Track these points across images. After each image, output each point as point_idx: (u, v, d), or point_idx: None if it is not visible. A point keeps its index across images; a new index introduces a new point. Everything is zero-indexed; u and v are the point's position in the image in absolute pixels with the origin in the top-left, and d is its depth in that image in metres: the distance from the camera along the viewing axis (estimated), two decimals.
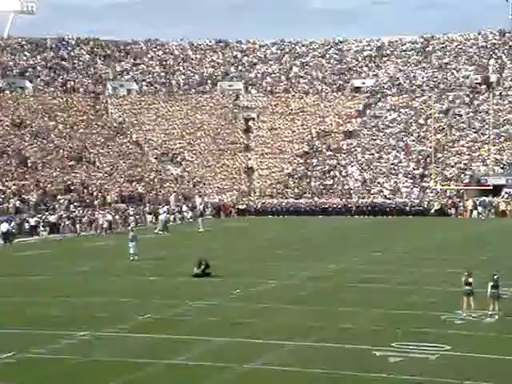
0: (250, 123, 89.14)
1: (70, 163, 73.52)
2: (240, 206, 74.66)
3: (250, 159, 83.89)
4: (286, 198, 76.05)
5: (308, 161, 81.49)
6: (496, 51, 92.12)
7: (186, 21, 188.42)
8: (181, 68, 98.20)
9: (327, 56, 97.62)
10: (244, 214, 73.27)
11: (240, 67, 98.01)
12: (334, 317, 25.00)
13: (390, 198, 73.11)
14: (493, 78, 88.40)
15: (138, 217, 64.42)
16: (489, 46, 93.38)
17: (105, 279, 33.85)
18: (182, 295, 29.07)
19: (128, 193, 70.97)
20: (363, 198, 73.72)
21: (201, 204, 72.19)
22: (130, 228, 49.37)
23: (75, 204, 63.61)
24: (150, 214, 65.25)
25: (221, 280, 32.72)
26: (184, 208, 70.15)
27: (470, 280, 24.96)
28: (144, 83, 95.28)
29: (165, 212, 61.90)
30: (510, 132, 77.51)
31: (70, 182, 68.53)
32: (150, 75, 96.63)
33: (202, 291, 29.84)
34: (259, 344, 21.63)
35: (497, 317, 24.52)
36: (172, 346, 21.48)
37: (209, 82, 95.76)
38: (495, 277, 24.85)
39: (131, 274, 35.06)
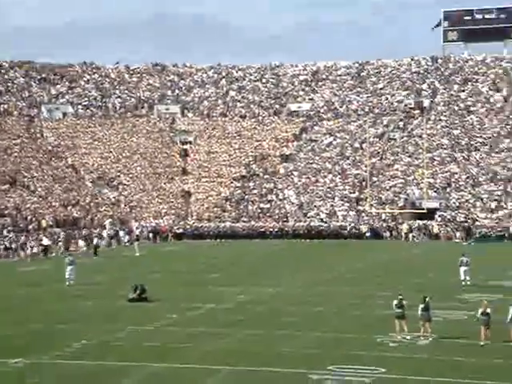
0: (187, 147, 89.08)
1: (3, 187, 72.38)
2: (177, 230, 74.37)
3: (187, 183, 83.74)
4: (224, 221, 76.03)
5: (245, 184, 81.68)
6: (429, 76, 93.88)
7: (122, 45, 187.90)
8: (117, 91, 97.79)
9: (264, 80, 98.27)
10: (181, 238, 72.99)
11: (177, 91, 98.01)
12: (271, 340, 25.06)
13: (326, 222, 73.64)
14: (426, 102, 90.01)
15: (73, 241, 63.58)
16: (422, 71, 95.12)
17: (39, 304, 33.34)
18: (118, 320, 28.82)
19: (63, 217, 70.11)
20: (300, 222, 74.13)
21: (137, 228, 71.72)
22: (67, 252, 48.89)
23: (9, 229, 62.60)
24: (82, 238, 64.17)
25: (157, 304, 32.54)
26: (120, 232, 69.57)
27: (403, 303, 25.31)
28: (80, 106, 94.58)
29: (96, 236, 61.73)
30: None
31: (3, 207, 67.42)
32: (86, 98, 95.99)
33: (139, 316, 29.62)
34: (196, 369, 21.56)
35: (430, 339, 24.87)
36: (108, 372, 21.26)
37: (145, 105, 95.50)
38: (426, 299, 25.24)
39: (67, 299, 34.61)
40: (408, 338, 24.88)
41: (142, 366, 21.84)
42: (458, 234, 69.24)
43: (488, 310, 24.52)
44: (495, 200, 72.69)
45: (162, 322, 28.36)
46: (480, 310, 24.76)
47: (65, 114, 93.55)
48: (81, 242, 62.38)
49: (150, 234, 72.54)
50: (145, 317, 29.47)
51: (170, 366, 21.86)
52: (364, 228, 71.40)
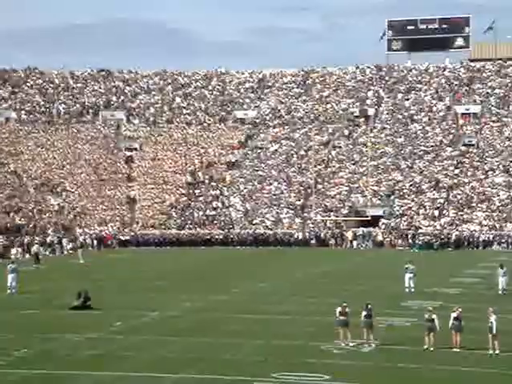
0: (132, 153, 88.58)
1: None
2: (122, 237, 73.85)
3: (132, 190, 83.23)
4: (169, 228, 75.74)
5: (191, 191, 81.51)
6: (373, 85, 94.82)
7: (66, 50, 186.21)
8: (61, 97, 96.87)
9: (210, 87, 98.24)
10: (126, 246, 72.50)
11: (122, 97, 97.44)
12: (216, 348, 25.01)
13: (271, 229, 73.84)
14: (370, 111, 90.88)
15: (13, 249, 62.42)
16: (366, 80, 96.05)
17: None
18: (60, 328, 28.45)
19: (5, 224, 69.05)
20: (245, 229, 74.20)
21: (81, 235, 71.04)
22: (10, 260, 48.13)
23: None
24: (20, 246, 62.91)
25: (101, 312, 32.22)
26: (64, 240, 68.76)
27: (347, 310, 25.47)
28: (23, 112, 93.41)
29: (37, 244, 60.77)
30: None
31: None
32: (30, 104, 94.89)
33: (82, 324, 29.30)
34: (140, 377, 21.41)
35: (373, 345, 25.05)
36: (50, 381, 20.98)
37: (90, 111, 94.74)
38: (368, 306, 25.45)
39: (8, 308, 34.08)
40: (351, 345, 25.04)
41: (85, 374, 21.60)
42: (401, 242, 70.03)
43: (433, 317, 24.82)
44: (438, 208, 73.68)
45: (106, 330, 28.10)
46: (425, 317, 25.05)
47: (7, 120, 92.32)
48: (14, 250, 61.20)
49: (95, 242, 71.91)
50: (89, 325, 29.16)
51: (114, 374, 21.66)
52: (300, 235, 71.81)
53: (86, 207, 79.40)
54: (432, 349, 24.43)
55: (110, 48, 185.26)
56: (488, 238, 68.83)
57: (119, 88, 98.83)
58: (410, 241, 69.17)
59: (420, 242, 68.27)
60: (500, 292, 36.95)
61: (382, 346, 24.97)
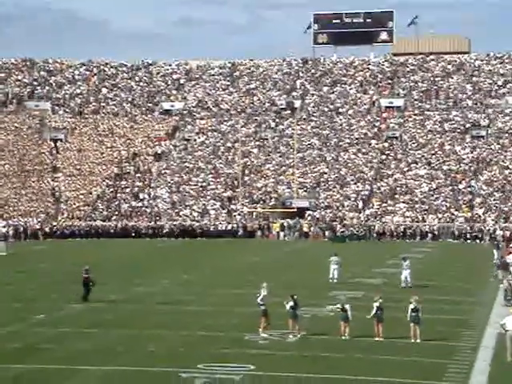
0: (58, 144, 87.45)
1: None
2: (47, 229, 72.95)
3: (57, 181, 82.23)
4: (95, 220, 75.10)
5: (117, 183, 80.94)
6: (299, 78, 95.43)
7: None
8: None
9: (136, 78, 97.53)
10: (51, 237, 71.65)
11: (47, 87, 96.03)
12: (142, 340, 25.04)
13: (198, 221, 73.87)
14: (297, 103, 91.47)
15: None
16: (293, 72, 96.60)
17: None
18: None
19: None
20: (172, 221, 74.08)
21: (4, 227, 69.95)
22: None
23: None
24: None
25: (23, 305, 31.89)
26: None
27: (259, 300, 25.82)
28: None
29: None
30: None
31: None
32: None
33: (4, 317, 28.98)
34: (64, 370, 21.32)
35: (298, 336, 25.43)
36: None
37: (14, 101, 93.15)
38: (294, 297, 25.80)
39: None
40: (276, 334, 25.35)
41: (5, 367, 21.41)
42: (326, 233, 70.79)
43: (346, 307, 25.30)
44: (362, 199, 74.74)
45: (28, 323, 27.85)
46: (339, 306, 25.51)
47: None
48: None
49: (19, 233, 70.87)
50: (10, 317, 28.86)
51: (36, 366, 21.53)
52: (228, 226, 72.14)
53: (9, 198, 78.19)
54: (345, 338, 24.89)
55: (35, 38, 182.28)
56: (411, 229, 70.04)
57: (44, 78, 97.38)
58: (337, 233, 69.91)
59: (345, 234, 69.13)
60: (403, 285, 36.40)
61: (306, 336, 25.34)
